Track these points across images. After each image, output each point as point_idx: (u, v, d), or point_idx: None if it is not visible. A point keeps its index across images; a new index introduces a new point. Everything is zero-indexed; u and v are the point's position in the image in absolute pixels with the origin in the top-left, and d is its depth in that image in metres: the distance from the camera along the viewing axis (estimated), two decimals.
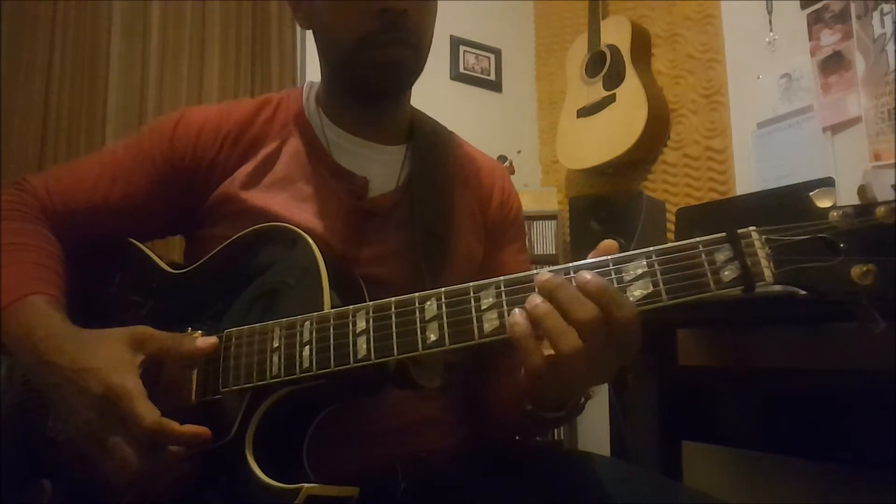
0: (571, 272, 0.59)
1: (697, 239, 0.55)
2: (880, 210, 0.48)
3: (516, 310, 0.58)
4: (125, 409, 0.62)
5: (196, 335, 0.74)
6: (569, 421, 0.73)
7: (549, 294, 0.57)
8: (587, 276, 0.57)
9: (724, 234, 0.54)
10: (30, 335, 0.70)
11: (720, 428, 1.86)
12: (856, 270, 0.48)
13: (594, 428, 2.37)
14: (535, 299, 0.58)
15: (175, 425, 0.63)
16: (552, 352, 0.57)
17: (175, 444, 0.64)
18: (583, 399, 0.72)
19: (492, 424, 0.88)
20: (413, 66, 0.84)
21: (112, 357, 0.66)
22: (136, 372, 0.66)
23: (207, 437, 0.65)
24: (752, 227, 0.53)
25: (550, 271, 0.59)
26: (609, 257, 0.58)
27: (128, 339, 0.69)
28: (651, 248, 0.56)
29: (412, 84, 0.89)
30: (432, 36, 0.86)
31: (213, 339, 0.72)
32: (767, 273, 0.52)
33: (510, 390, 0.82)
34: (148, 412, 0.62)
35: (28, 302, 0.73)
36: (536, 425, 0.75)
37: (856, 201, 0.52)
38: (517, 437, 0.89)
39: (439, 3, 0.89)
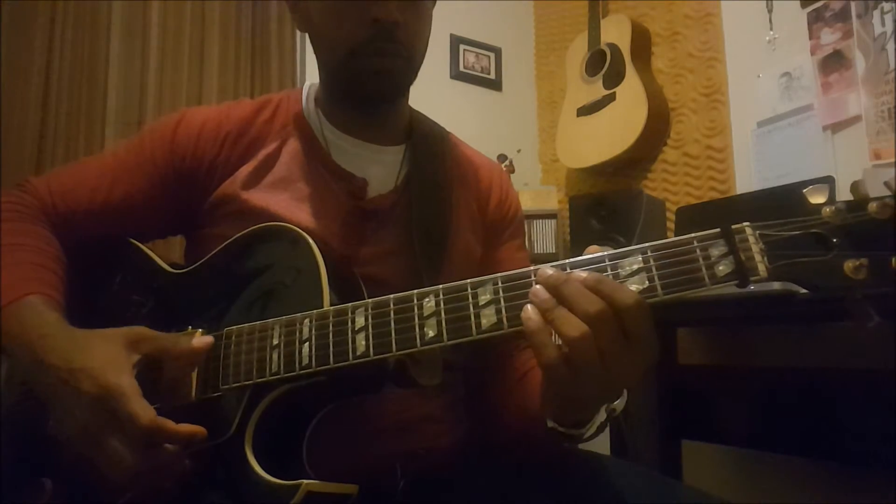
0: (568, 269, 0.59)
1: (692, 235, 0.55)
2: (873, 205, 0.48)
3: (528, 306, 0.58)
4: (120, 409, 0.62)
5: (196, 333, 0.74)
6: (593, 438, 0.70)
7: (553, 290, 0.57)
8: (582, 273, 0.57)
9: (718, 229, 0.54)
10: (25, 336, 0.70)
11: (720, 427, 1.86)
12: (849, 265, 0.48)
13: None
14: (542, 293, 0.57)
15: (171, 424, 0.63)
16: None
17: (171, 443, 0.64)
18: (606, 415, 0.70)
19: (500, 431, 0.88)
20: (404, 76, 0.85)
21: (106, 357, 0.66)
22: (130, 371, 0.65)
23: (203, 435, 0.65)
24: (746, 223, 0.54)
25: (549, 267, 0.60)
26: (605, 253, 0.58)
27: (123, 339, 0.68)
28: (646, 244, 0.57)
29: (405, 91, 0.90)
30: (427, 42, 0.87)
31: (209, 339, 0.72)
32: (761, 268, 0.52)
33: (522, 399, 0.81)
34: (143, 411, 0.62)
35: (25, 302, 0.73)
36: (558, 443, 0.72)
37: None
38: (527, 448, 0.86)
39: (439, 1, 0.89)
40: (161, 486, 0.66)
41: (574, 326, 0.55)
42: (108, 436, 0.63)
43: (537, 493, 0.78)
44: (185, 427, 0.64)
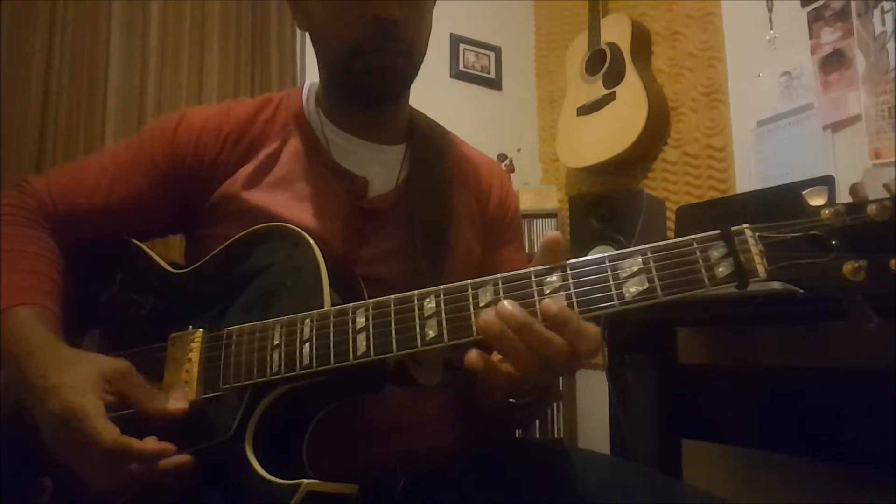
0: (568, 269, 0.59)
1: (692, 236, 0.55)
2: (872, 208, 0.48)
3: (483, 314, 0.59)
4: (82, 429, 0.62)
5: (181, 385, 0.73)
6: (542, 409, 0.76)
7: (517, 331, 0.58)
8: (553, 308, 0.57)
9: (718, 231, 0.54)
10: (11, 349, 0.70)
11: (720, 426, 1.86)
12: (848, 267, 0.49)
13: (594, 427, 2.38)
14: (508, 307, 0.59)
15: (136, 443, 0.62)
16: None
17: (136, 461, 0.63)
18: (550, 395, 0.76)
19: (478, 415, 0.88)
20: (405, 73, 0.84)
21: (76, 377, 0.65)
22: (96, 392, 0.65)
23: (171, 452, 0.64)
24: (745, 225, 0.54)
25: (547, 269, 0.60)
26: (605, 255, 0.58)
27: (102, 367, 0.67)
28: (646, 246, 0.57)
29: (406, 89, 0.90)
30: (427, 41, 0.87)
31: (183, 406, 0.70)
32: (761, 269, 0.53)
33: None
34: (105, 431, 0.61)
35: (13, 314, 0.73)
36: (508, 413, 0.78)
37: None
38: (497, 428, 0.90)
39: (439, 1, 0.89)
40: (161, 487, 0.66)
41: (526, 360, 0.59)
42: (78, 453, 0.63)
43: (537, 492, 0.78)
44: (151, 445, 0.63)
